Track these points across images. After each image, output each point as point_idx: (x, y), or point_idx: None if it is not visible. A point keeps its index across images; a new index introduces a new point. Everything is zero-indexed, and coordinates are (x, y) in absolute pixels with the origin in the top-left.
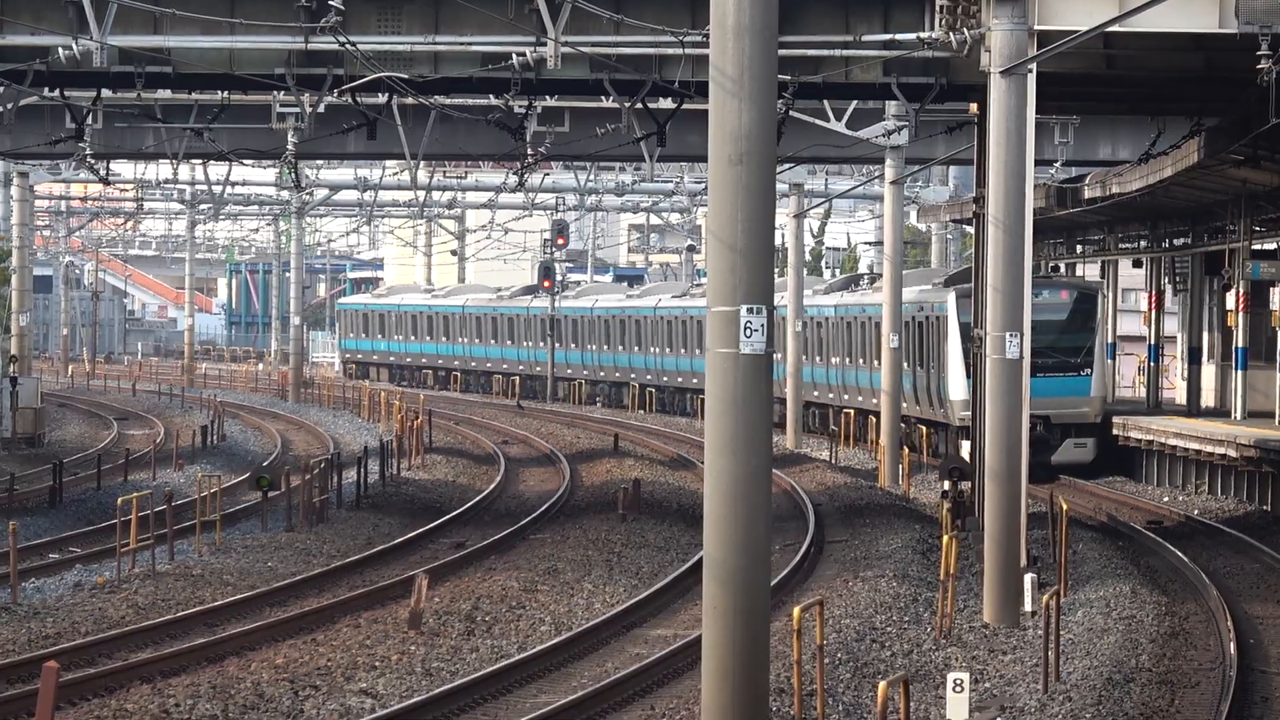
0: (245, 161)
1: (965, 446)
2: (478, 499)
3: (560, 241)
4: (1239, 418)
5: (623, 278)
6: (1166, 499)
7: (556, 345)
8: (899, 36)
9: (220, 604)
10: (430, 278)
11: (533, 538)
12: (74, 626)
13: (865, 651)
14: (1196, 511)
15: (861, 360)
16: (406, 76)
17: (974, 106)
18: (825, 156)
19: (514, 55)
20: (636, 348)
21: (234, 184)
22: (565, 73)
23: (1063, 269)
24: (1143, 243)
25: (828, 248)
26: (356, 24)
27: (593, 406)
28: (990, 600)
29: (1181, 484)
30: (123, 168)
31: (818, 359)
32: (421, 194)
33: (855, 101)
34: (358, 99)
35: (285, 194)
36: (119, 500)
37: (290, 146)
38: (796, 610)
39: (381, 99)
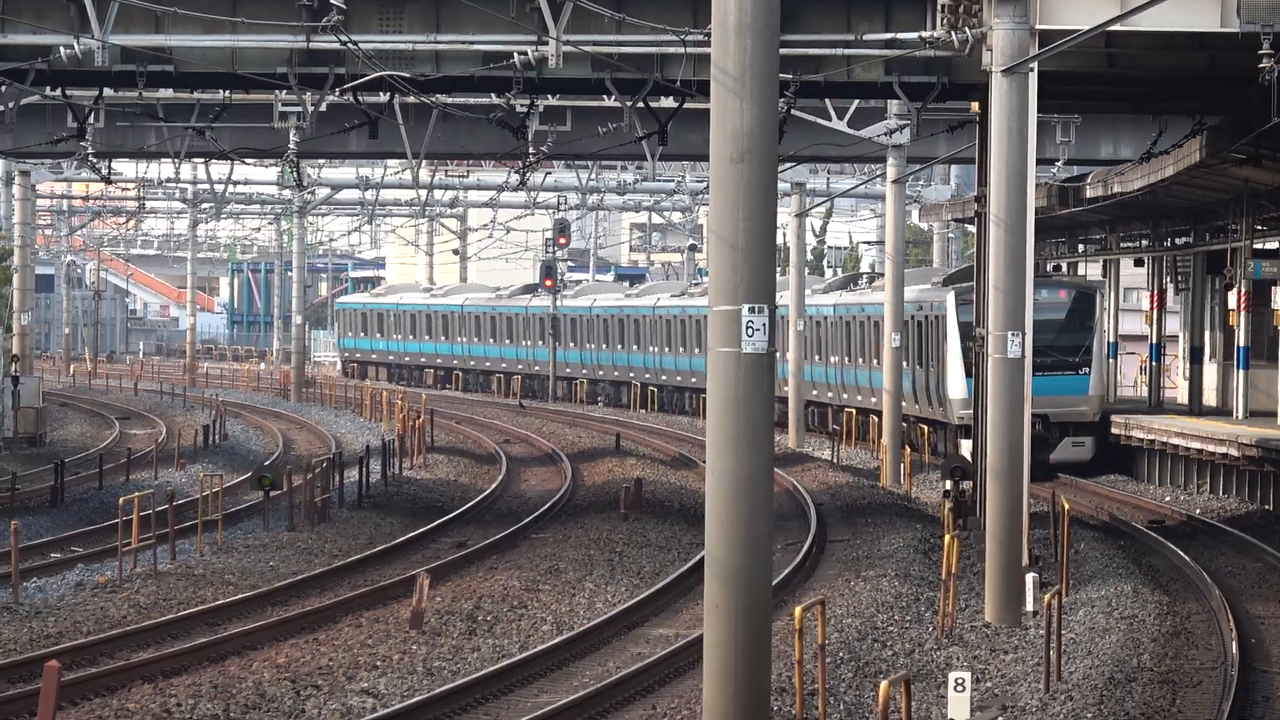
0: (247, 160)
1: (964, 445)
2: (479, 498)
3: (562, 241)
4: (1241, 417)
5: (624, 277)
6: (1168, 498)
7: (556, 344)
8: (901, 35)
9: (222, 603)
10: (432, 277)
11: (534, 537)
12: (75, 626)
13: (867, 651)
14: (1198, 511)
15: (860, 359)
16: (408, 75)
17: (975, 105)
18: (827, 155)
19: (515, 54)
20: (635, 347)
21: (236, 183)
22: (567, 72)
23: (1064, 268)
24: (1144, 242)
25: (829, 247)
26: (358, 23)
27: (594, 406)
28: (992, 599)
29: (1183, 483)
30: (124, 167)
31: (816, 358)
32: (423, 193)
33: (857, 100)
34: (359, 98)
35: (287, 193)
36: (120, 500)
37: (292, 145)
38: (798, 609)
39: (383, 98)
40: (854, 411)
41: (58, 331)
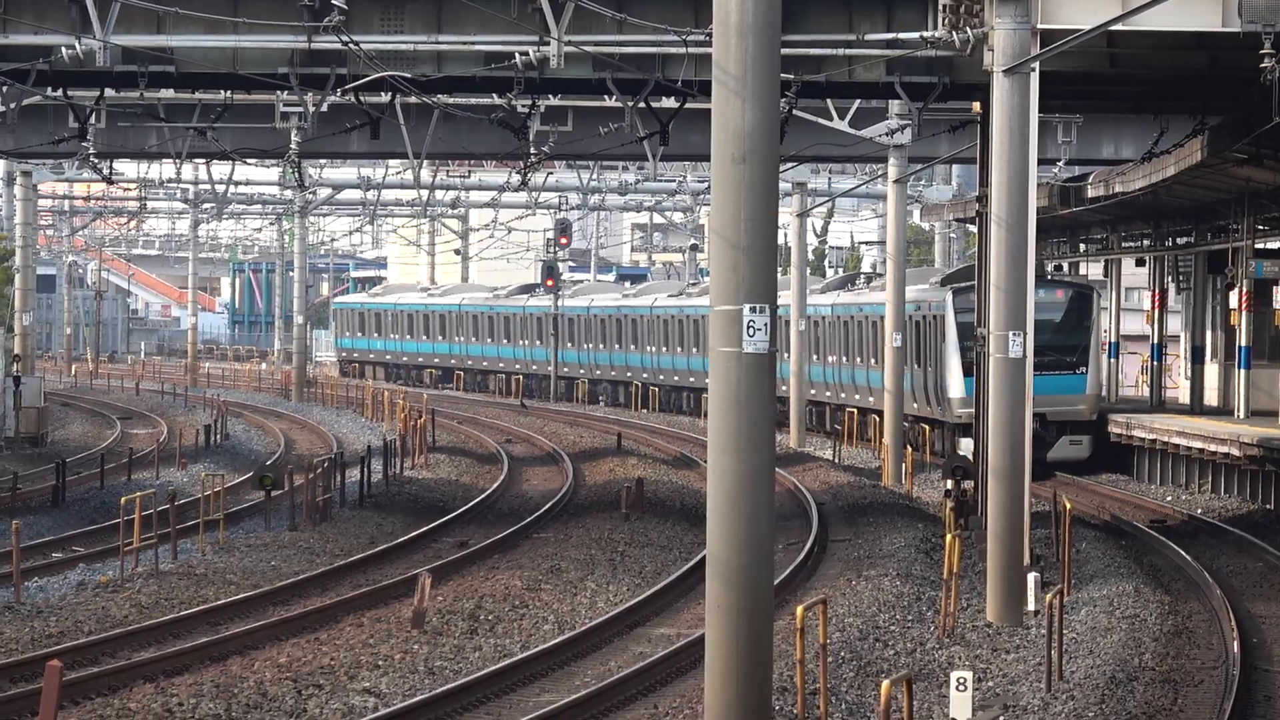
0: (248, 161)
1: (963, 444)
2: (481, 498)
3: (563, 241)
4: (1242, 417)
5: (626, 277)
6: (1169, 498)
7: (557, 344)
8: (902, 35)
9: (223, 603)
10: (434, 277)
11: (536, 536)
12: (77, 626)
13: (868, 650)
14: (1200, 510)
15: (859, 359)
16: (409, 76)
17: (977, 105)
18: (828, 155)
19: (517, 54)
20: (633, 346)
21: (237, 183)
22: (568, 72)
23: (1066, 268)
24: (1146, 241)
25: (831, 247)
26: (359, 23)
27: (595, 405)
28: (993, 599)
29: (1185, 483)
30: (126, 167)
31: (814, 358)
32: (424, 193)
33: (858, 100)
34: (361, 98)
35: (288, 193)
36: (122, 499)
37: (293, 146)
38: (800, 609)
39: (384, 98)
40: (855, 411)
41: (59, 332)
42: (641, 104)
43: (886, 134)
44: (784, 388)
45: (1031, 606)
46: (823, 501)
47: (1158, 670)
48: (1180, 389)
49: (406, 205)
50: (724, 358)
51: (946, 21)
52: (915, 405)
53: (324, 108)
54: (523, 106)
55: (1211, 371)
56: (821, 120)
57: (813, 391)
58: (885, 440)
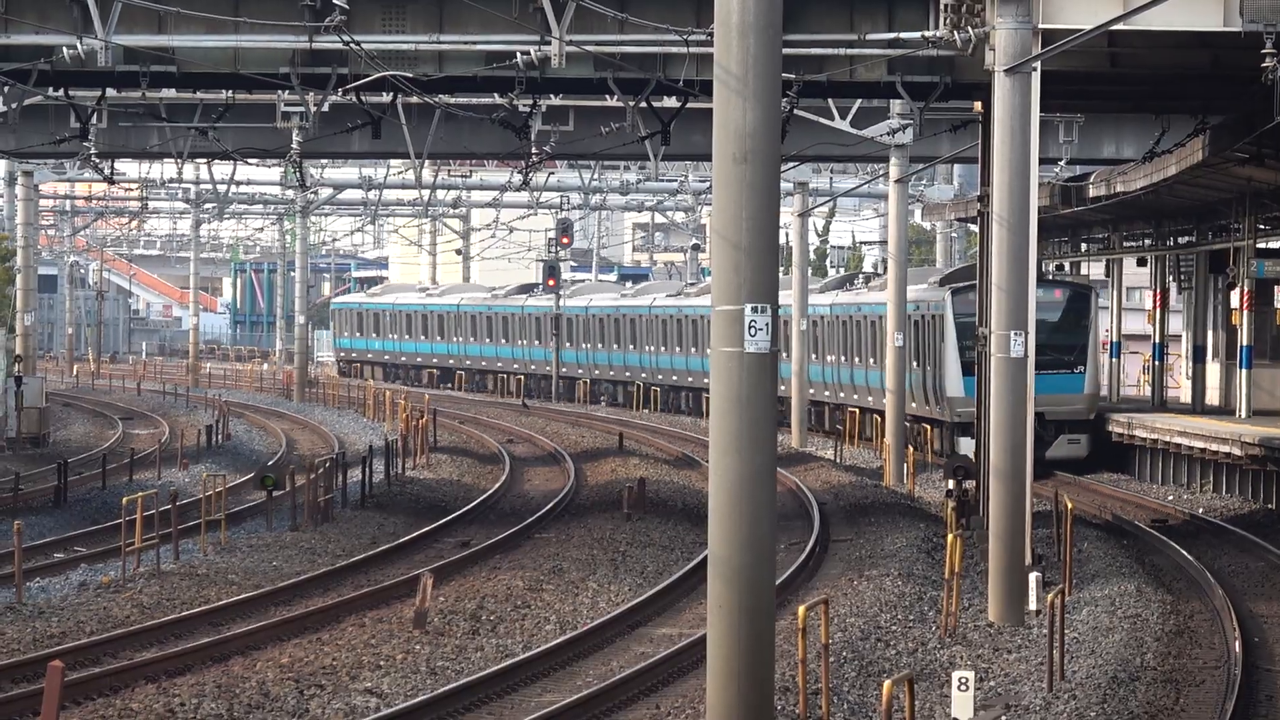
0: (250, 161)
1: (962, 443)
2: (483, 498)
3: (564, 240)
4: (1243, 416)
5: (627, 276)
6: (1171, 498)
7: (558, 344)
8: (903, 35)
9: (225, 603)
10: (435, 277)
11: (538, 537)
12: (79, 626)
13: (870, 650)
14: (1201, 510)
15: (857, 359)
16: (411, 75)
17: (978, 105)
18: (830, 155)
19: (518, 54)
20: (631, 346)
21: (239, 183)
22: (569, 72)
23: (1067, 267)
24: (1147, 241)
25: (832, 247)
26: (361, 23)
27: (597, 405)
28: (995, 599)
29: (1186, 483)
30: (127, 167)
31: (813, 357)
32: (426, 193)
33: (860, 100)
34: (362, 98)
35: (290, 193)
36: (124, 500)
37: (295, 145)
38: (801, 609)
39: (386, 98)
40: (856, 411)
41: (61, 332)
42: (643, 104)
43: (888, 133)
44: (785, 388)
45: (1033, 606)
46: (824, 501)
47: (1159, 670)
48: (1182, 389)
49: (408, 205)
50: (725, 357)
51: (948, 21)
52: (914, 404)
53: (325, 107)
54: (524, 106)
55: (1213, 371)
56: (823, 120)
57: (811, 391)
58: (886, 440)
